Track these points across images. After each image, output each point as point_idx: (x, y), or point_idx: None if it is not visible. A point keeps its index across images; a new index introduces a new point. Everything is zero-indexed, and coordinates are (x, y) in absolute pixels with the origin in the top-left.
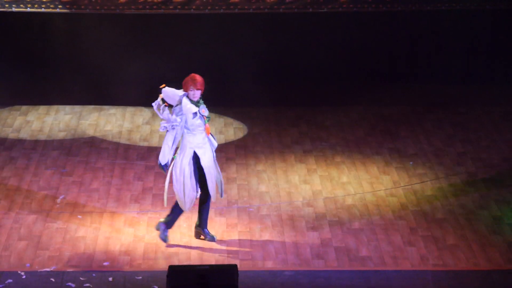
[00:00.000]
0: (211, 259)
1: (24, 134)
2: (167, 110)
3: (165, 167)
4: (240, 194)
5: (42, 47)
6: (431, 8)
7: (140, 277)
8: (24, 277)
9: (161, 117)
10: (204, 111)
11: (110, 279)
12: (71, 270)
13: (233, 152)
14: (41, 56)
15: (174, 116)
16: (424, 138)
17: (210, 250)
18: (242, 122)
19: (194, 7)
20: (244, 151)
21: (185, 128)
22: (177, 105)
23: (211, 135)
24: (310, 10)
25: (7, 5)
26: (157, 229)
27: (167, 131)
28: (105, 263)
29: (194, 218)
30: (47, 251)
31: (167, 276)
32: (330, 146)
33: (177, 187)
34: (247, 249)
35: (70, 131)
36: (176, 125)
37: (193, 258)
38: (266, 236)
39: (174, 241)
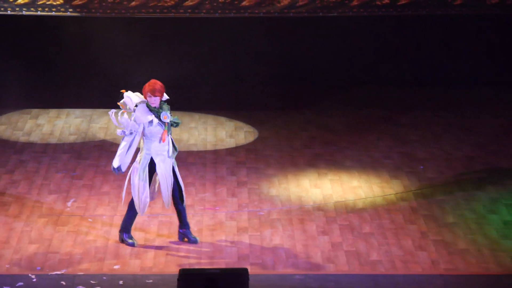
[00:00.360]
0: (222, 263)
1: (34, 138)
2: (126, 116)
3: (117, 170)
4: (250, 198)
5: (53, 51)
6: (441, 12)
7: (151, 281)
8: (34, 280)
9: (116, 124)
10: (166, 117)
11: (121, 282)
12: (81, 273)
13: (244, 156)
14: (52, 60)
15: (132, 122)
16: (434, 142)
17: (221, 253)
18: (252, 126)
19: (204, 11)
20: (254, 155)
21: (143, 134)
22: (134, 111)
23: (172, 141)
24: (320, 14)
25: (17, 9)
26: (121, 241)
27: (124, 136)
28: (116, 266)
29: (205, 221)
30: (58, 254)
31: (178, 279)
32: (340, 150)
33: (132, 190)
34: (258, 253)
35: (81, 134)
36: (134, 130)
37: (204, 261)
38: (276, 240)
39: (184, 244)
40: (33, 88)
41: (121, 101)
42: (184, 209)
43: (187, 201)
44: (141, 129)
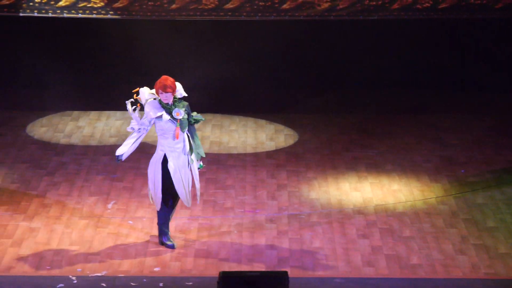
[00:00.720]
0: (262, 266)
1: (75, 140)
2: (137, 112)
3: (117, 158)
4: (290, 201)
5: (95, 53)
6: (482, 16)
7: (191, 283)
8: (75, 281)
9: (132, 116)
10: (179, 114)
11: (161, 284)
12: (122, 275)
13: (284, 159)
14: (92, 62)
15: (142, 119)
16: (475, 146)
17: (261, 256)
18: (292, 129)
19: (244, 13)
20: (295, 158)
21: (157, 131)
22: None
23: (191, 139)
24: (361, 17)
25: (58, 11)
26: (161, 244)
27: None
28: (156, 269)
29: (245, 224)
30: (98, 256)
31: (218, 282)
32: (380, 154)
33: (149, 185)
34: (298, 256)
35: (121, 136)
36: (144, 128)
37: (244, 264)
38: (316, 243)
39: (224, 247)
40: (74, 90)
41: (138, 96)
42: (172, 211)
43: (226, 203)
44: (150, 126)
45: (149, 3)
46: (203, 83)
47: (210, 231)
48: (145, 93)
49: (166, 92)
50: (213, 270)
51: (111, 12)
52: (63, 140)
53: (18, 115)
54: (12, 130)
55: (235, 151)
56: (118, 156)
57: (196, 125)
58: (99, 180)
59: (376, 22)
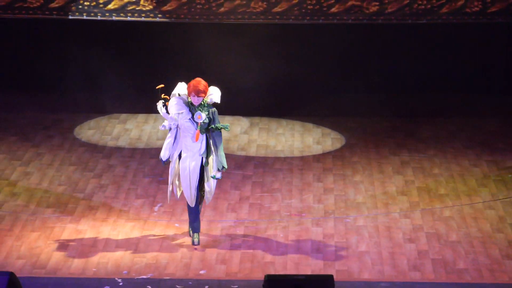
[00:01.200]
0: (307, 269)
1: (122, 142)
2: (165, 110)
3: (163, 162)
4: (337, 205)
5: (142, 55)
6: None
7: (236, 286)
8: (121, 284)
9: (164, 116)
10: (200, 117)
11: (206, 287)
12: (167, 277)
13: (331, 163)
14: (140, 64)
15: (170, 116)
16: None
17: (307, 260)
18: (339, 133)
19: (293, 17)
20: (341, 161)
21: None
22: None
23: (209, 145)
24: (409, 21)
25: (107, 14)
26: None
27: (169, 129)
28: (202, 271)
29: (291, 227)
30: (144, 258)
31: (263, 285)
32: (427, 158)
33: (169, 180)
34: (344, 260)
35: None
36: (174, 123)
37: (289, 267)
38: (362, 247)
39: (270, 250)
40: (122, 92)
41: (163, 96)
42: (198, 210)
43: (273, 206)
44: (177, 122)
45: (198, 6)
46: (251, 86)
47: (256, 234)
48: (177, 89)
49: (199, 96)
50: (258, 274)
51: (159, 15)
52: (111, 143)
53: (66, 118)
54: (60, 132)
55: (282, 155)
56: (163, 161)
57: (225, 132)
58: (146, 183)
59: (425, 25)
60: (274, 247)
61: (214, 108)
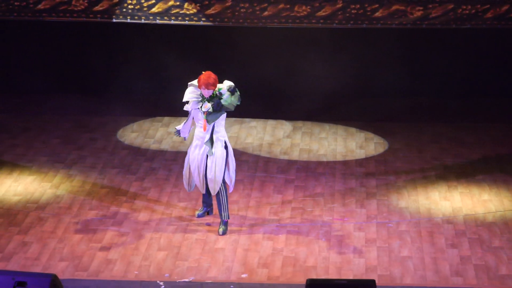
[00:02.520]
0: (349, 274)
1: (165, 145)
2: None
3: (177, 132)
4: (379, 210)
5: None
6: None
7: None
8: (163, 287)
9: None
10: (206, 107)
11: None
12: (209, 281)
13: (373, 167)
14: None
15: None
16: None
17: (349, 264)
18: (382, 137)
19: (336, 21)
20: (384, 166)
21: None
22: None
23: (212, 136)
24: (454, 26)
25: (151, 17)
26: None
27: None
28: (243, 275)
29: (333, 232)
30: (186, 262)
31: None
32: (471, 163)
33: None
34: (386, 265)
35: None
36: (188, 110)
37: (331, 272)
38: (405, 252)
39: (312, 255)
40: (164, 96)
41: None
42: (217, 200)
43: (315, 210)
44: (191, 108)
45: (242, 10)
46: (295, 91)
47: (298, 238)
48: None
49: (208, 89)
50: (300, 278)
51: (203, 19)
52: (153, 146)
53: (109, 120)
54: (103, 135)
55: (324, 159)
56: (177, 130)
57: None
58: None
59: (469, 30)
60: (316, 251)
61: (225, 98)
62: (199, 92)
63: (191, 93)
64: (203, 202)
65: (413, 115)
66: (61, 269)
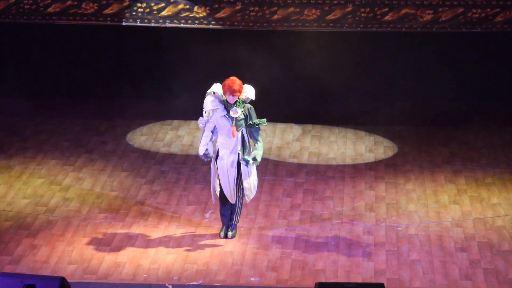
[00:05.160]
0: (358, 277)
1: (174, 149)
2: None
3: (203, 156)
4: (388, 213)
5: (195, 62)
6: None
7: None
8: None
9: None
10: (235, 112)
11: None
12: (218, 284)
13: (383, 171)
14: (192, 71)
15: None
16: None
17: (357, 268)
18: (392, 141)
19: (346, 25)
20: (393, 170)
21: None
22: None
23: (255, 144)
24: (464, 29)
25: (161, 21)
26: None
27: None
28: (252, 279)
29: (343, 235)
30: (195, 265)
31: None
32: (481, 167)
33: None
34: (395, 268)
35: None
36: (206, 121)
37: (340, 275)
38: (413, 256)
39: (321, 258)
40: (174, 99)
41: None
42: (234, 206)
43: (324, 214)
44: (210, 119)
45: (251, 13)
46: (303, 94)
47: (307, 241)
48: (215, 88)
49: (234, 95)
50: (309, 281)
51: (213, 22)
52: (163, 149)
53: (119, 124)
54: (113, 138)
55: (334, 162)
56: (201, 155)
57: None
58: (197, 189)
59: (479, 34)
60: (325, 255)
61: (250, 105)
62: (218, 99)
63: (212, 102)
64: (222, 216)
65: (422, 118)
66: (70, 272)
